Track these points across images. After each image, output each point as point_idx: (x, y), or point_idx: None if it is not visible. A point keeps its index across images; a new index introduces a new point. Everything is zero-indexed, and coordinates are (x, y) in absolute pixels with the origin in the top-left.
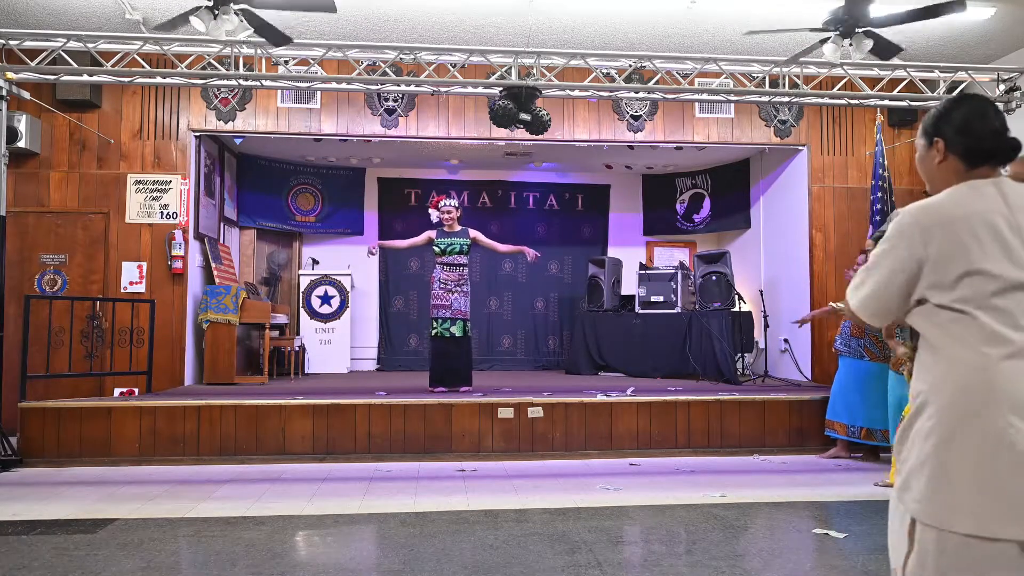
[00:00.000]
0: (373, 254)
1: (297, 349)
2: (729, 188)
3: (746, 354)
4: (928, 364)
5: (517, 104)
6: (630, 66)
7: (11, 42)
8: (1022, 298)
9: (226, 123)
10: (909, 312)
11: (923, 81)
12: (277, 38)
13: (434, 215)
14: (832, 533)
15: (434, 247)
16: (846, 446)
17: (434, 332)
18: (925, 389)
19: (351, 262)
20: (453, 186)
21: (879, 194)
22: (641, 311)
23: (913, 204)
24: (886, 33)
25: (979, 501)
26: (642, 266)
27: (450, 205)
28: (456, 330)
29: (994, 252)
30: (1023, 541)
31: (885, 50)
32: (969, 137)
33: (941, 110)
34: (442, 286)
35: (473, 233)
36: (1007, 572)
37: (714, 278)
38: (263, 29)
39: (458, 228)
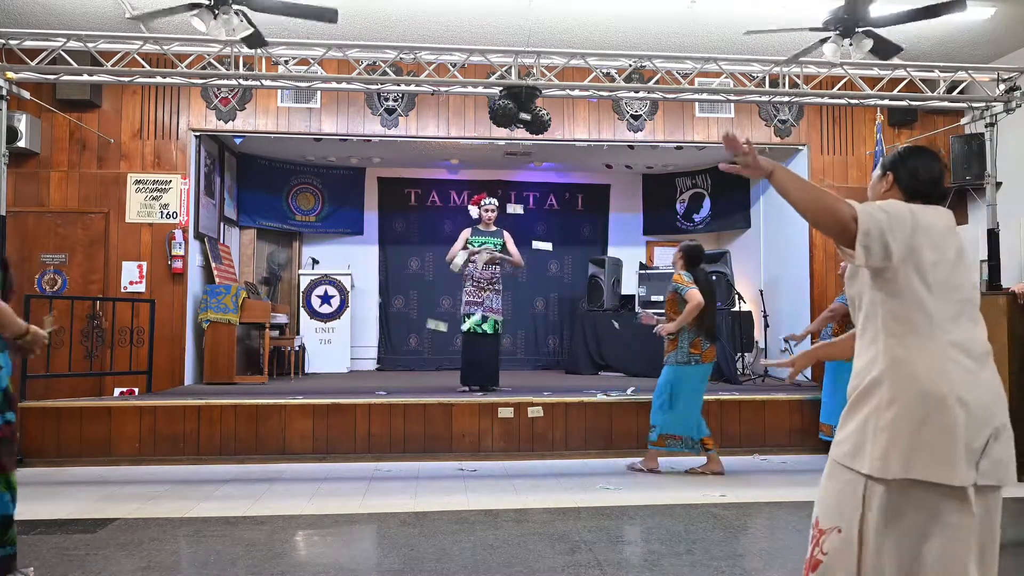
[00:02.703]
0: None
1: (297, 349)
2: (729, 188)
3: (746, 354)
4: (881, 348)
5: (517, 104)
6: (630, 66)
7: (11, 42)
8: (958, 299)
9: (226, 123)
10: (870, 288)
11: (923, 81)
12: (254, 40)
13: (474, 211)
14: None
15: (468, 244)
16: None
17: (466, 328)
18: (882, 368)
19: (351, 262)
20: (453, 186)
21: None
22: (641, 311)
23: (900, 202)
24: (886, 33)
25: (924, 453)
26: (642, 266)
27: (492, 204)
28: (487, 327)
29: (954, 255)
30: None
31: (885, 50)
32: (914, 180)
33: (900, 154)
34: (474, 284)
35: (507, 235)
36: (960, 514)
37: (714, 278)
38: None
39: (493, 228)
